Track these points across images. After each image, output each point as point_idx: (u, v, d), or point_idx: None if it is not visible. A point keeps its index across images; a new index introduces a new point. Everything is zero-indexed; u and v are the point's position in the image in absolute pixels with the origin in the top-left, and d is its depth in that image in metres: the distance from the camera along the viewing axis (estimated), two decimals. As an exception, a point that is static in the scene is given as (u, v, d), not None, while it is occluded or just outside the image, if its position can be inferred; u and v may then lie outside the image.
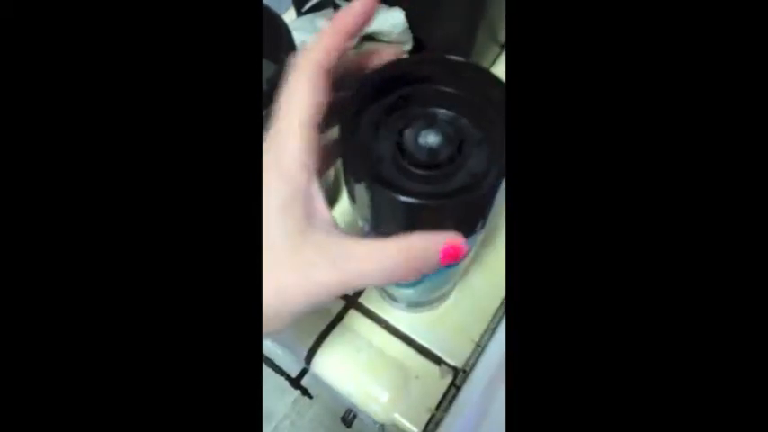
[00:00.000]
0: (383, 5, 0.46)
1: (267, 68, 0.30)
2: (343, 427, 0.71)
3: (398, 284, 0.34)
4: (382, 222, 0.22)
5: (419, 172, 0.20)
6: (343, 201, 0.45)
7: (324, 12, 0.49)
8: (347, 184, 0.23)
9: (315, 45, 0.18)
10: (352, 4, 0.19)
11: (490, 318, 0.40)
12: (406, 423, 0.36)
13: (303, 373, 0.53)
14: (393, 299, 0.39)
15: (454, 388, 0.37)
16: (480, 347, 0.39)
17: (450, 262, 0.18)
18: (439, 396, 0.37)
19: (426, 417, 0.36)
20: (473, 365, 0.38)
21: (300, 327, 0.40)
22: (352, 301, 0.41)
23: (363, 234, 0.24)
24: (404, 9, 0.45)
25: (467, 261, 0.31)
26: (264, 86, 0.26)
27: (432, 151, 0.20)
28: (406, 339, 0.39)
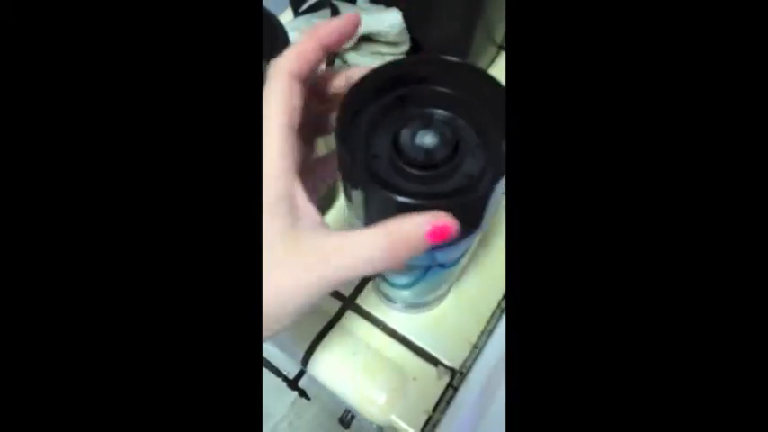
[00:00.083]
0: (381, 6, 0.46)
1: (263, 68, 0.30)
2: (341, 428, 0.71)
3: (395, 285, 0.34)
4: (378, 222, 0.22)
5: (415, 172, 0.20)
6: (341, 201, 0.45)
7: (321, 12, 0.49)
8: (344, 183, 0.23)
9: (287, 52, 0.19)
10: (332, 19, 0.20)
11: (487, 319, 0.40)
12: (403, 425, 0.36)
13: (300, 374, 0.52)
14: (390, 300, 0.39)
15: (451, 389, 0.37)
16: (477, 349, 0.38)
17: (439, 241, 0.18)
18: (436, 397, 0.37)
19: (423, 418, 0.36)
20: (470, 367, 0.38)
21: (297, 328, 0.40)
22: (348, 302, 0.41)
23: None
24: (401, 9, 0.45)
25: (463, 262, 0.31)
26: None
27: (428, 152, 0.20)
28: (403, 341, 0.39)
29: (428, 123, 0.21)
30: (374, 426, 0.38)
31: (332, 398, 0.40)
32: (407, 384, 0.37)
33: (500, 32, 0.53)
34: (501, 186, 0.20)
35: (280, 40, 0.31)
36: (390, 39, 0.45)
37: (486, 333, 0.39)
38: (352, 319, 0.40)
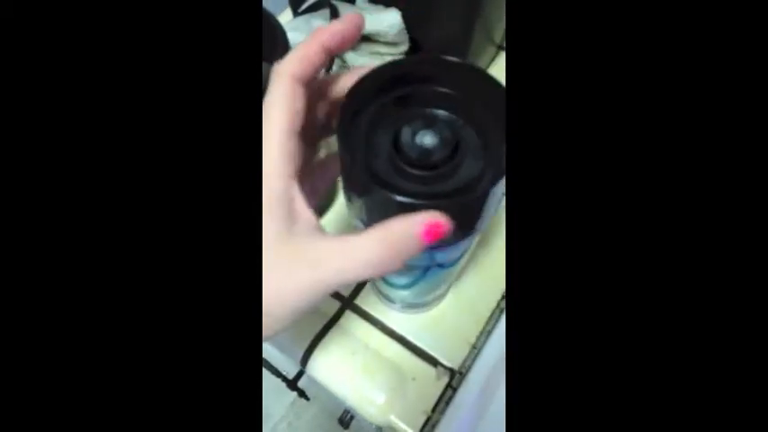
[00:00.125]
0: (379, 6, 0.46)
1: (263, 69, 0.30)
2: (340, 428, 0.71)
3: (394, 285, 0.34)
4: (378, 222, 0.22)
5: (415, 172, 0.20)
6: (341, 200, 0.45)
7: (320, 12, 0.49)
8: (344, 183, 0.23)
9: (290, 55, 0.19)
10: (334, 22, 0.20)
11: (486, 319, 0.40)
12: (402, 425, 0.36)
13: (300, 374, 0.52)
14: (389, 300, 0.39)
15: (450, 390, 0.37)
16: (476, 349, 0.38)
17: (434, 240, 0.18)
18: (435, 398, 0.37)
19: (422, 419, 0.36)
20: (469, 367, 0.38)
21: (296, 329, 0.40)
22: (347, 302, 0.41)
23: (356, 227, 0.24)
24: (400, 10, 0.45)
25: (462, 263, 0.31)
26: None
27: (428, 152, 0.20)
28: (402, 341, 0.39)
29: (428, 123, 0.21)
30: (373, 426, 0.38)
31: (331, 398, 0.40)
32: (406, 385, 0.37)
33: (499, 32, 0.53)
34: (500, 187, 0.20)
35: (279, 41, 0.31)
36: (389, 39, 0.45)
37: (485, 333, 0.39)
38: (351, 320, 0.40)
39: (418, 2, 0.44)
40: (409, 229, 0.18)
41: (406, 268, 0.28)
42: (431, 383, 0.37)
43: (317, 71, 0.20)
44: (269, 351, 0.53)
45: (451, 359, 0.38)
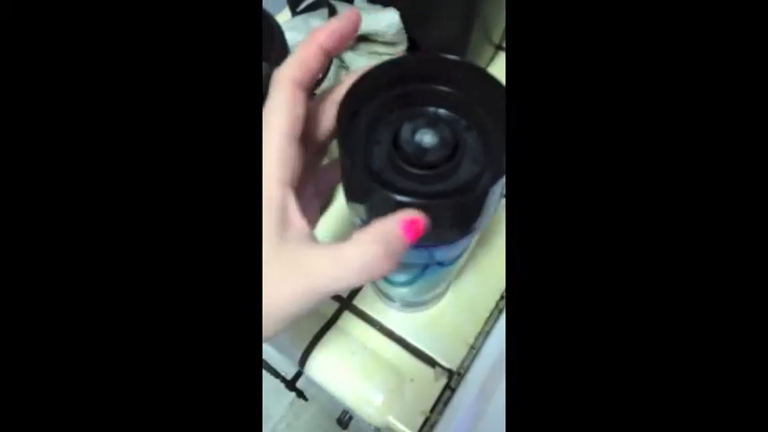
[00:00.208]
0: (378, 5, 0.46)
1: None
2: (339, 428, 0.71)
3: (393, 283, 0.34)
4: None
5: (415, 171, 0.20)
6: (339, 199, 0.45)
7: (318, 12, 0.49)
8: (343, 182, 0.22)
9: (289, 60, 0.19)
10: (330, 21, 0.20)
11: (485, 320, 0.39)
12: (400, 426, 0.36)
13: (298, 375, 0.52)
14: (389, 298, 0.39)
15: (449, 390, 0.37)
16: (475, 350, 0.38)
17: (415, 237, 0.18)
18: (433, 399, 0.37)
19: (421, 420, 0.36)
20: (468, 368, 0.38)
21: (294, 329, 0.40)
22: (345, 303, 0.41)
23: (356, 227, 0.24)
24: (398, 9, 0.45)
25: (462, 261, 0.31)
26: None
27: (428, 151, 0.20)
28: (400, 342, 0.39)
29: (428, 122, 0.21)
30: (372, 427, 0.38)
31: (330, 399, 0.40)
32: (405, 385, 0.37)
33: (498, 32, 0.53)
34: (500, 186, 0.20)
35: (277, 41, 0.31)
36: (388, 39, 0.45)
37: (484, 334, 0.39)
38: (349, 320, 0.40)
39: (417, 1, 0.44)
40: (390, 231, 0.18)
41: (405, 266, 0.28)
42: (429, 384, 0.37)
43: (317, 74, 0.20)
44: (267, 351, 0.53)
45: (450, 360, 0.38)
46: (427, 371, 0.38)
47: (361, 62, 0.46)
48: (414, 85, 0.22)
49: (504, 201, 0.38)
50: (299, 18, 0.48)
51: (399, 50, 0.47)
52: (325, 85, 0.43)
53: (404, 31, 0.46)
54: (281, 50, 0.31)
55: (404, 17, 0.45)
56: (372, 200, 0.20)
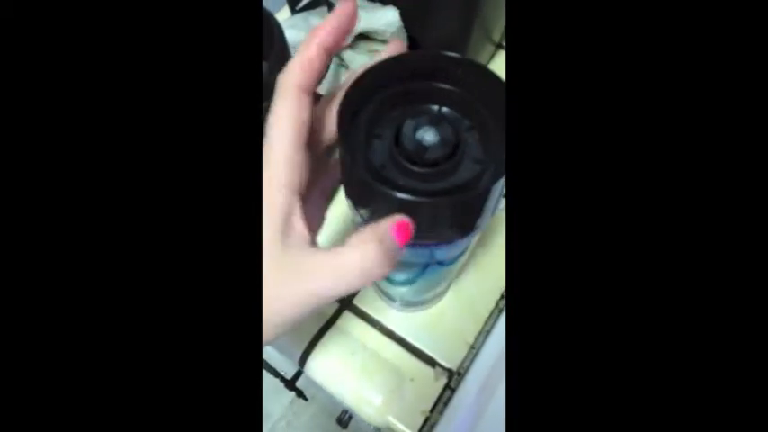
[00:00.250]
0: (377, 3, 0.46)
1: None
2: (339, 428, 0.71)
3: (393, 282, 0.34)
4: (379, 219, 0.21)
5: (415, 169, 0.20)
6: (339, 198, 0.45)
7: (318, 10, 0.48)
8: (343, 179, 0.22)
9: (292, 65, 0.19)
10: (328, 18, 0.20)
11: (485, 320, 0.39)
12: (400, 426, 0.36)
13: (298, 374, 0.52)
14: (389, 298, 0.39)
15: (449, 390, 0.37)
16: (475, 349, 0.38)
17: (406, 240, 0.19)
18: (433, 398, 0.36)
19: (421, 419, 0.36)
20: (468, 368, 0.38)
21: (294, 329, 0.39)
22: (345, 302, 0.41)
23: (355, 225, 0.24)
24: (398, 8, 0.44)
25: (462, 261, 0.31)
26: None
27: (429, 149, 0.20)
28: (400, 341, 0.39)
29: (430, 120, 0.20)
30: (372, 427, 0.38)
31: (329, 398, 0.40)
32: (404, 385, 0.37)
33: (498, 31, 0.53)
34: (501, 185, 0.19)
35: (276, 40, 0.31)
36: (387, 37, 0.45)
37: (484, 333, 0.39)
38: (349, 320, 0.40)
39: (417, 0, 0.44)
40: (382, 236, 0.19)
41: (406, 265, 0.28)
42: (429, 384, 0.37)
43: (320, 75, 0.20)
44: (267, 351, 0.53)
45: (450, 359, 0.38)
46: (427, 371, 0.38)
47: (360, 60, 0.46)
48: (415, 82, 0.22)
49: (504, 200, 0.38)
50: (299, 16, 0.48)
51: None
52: (323, 83, 0.43)
53: (403, 30, 0.46)
54: (280, 50, 0.31)
55: (404, 15, 0.45)
56: (372, 197, 0.20)
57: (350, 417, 0.64)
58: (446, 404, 0.36)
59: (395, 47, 0.22)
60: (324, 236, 0.43)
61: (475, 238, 0.26)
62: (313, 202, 0.23)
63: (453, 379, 0.37)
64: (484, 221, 0.22)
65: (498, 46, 0.55)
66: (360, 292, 0.41)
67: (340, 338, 0.39)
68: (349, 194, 0.22)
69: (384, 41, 0.46)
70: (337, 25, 0.20)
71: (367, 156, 0.21)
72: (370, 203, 0.21)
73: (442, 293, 0.39)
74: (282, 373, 0.55)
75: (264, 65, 0.30)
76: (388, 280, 0.34)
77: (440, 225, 0.20)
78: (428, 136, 0.20)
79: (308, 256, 0.19)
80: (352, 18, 0.20)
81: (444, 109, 0.22)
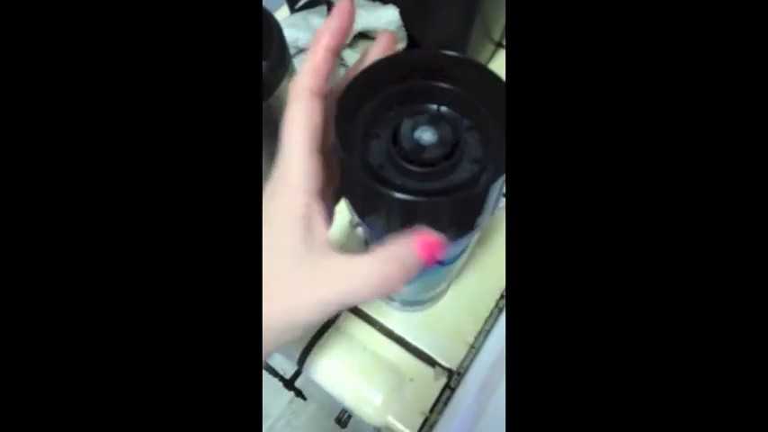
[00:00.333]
0: (377, 2, 0.46)
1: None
2: (338, 427, 0.70)
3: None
4: (377, 220, 0.21)
5: (414, 169, 0.20)
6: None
7: (317, 9, 0.48)
8: (341, 180, 0.22)
9: (302, 71, 0.20)
10: (328, 21, 0.20)
11: (484, 319, 0.39)
12: (400, 426, 0.36)
13: (297, 374, 0.52)
14: (388, 297, 0.39)
15: (448, 390, 0.37)
16: (475, 349, 0.38)
17: (432, 258, 0.19)
18: (433, 398, 0.36)
19: (420, 419, 0.36)
20: (467, 367, 0.38)
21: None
22: (345, 302, 0.41)
23: (353, 227, 0.24)
24: (398, 6, 0.44)
25: (461, 261, 0.31)
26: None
27: (426, 148, 0.20)
28: (399, 341, 0.39)
29: (428, 119, 0.20)
30: (371, 427, 0.38)
31: (329, 398, 0.40)
32: (404, 385, 0.37)
33: (498, 30, 0.53)
34: (500, 184, 0.19)
35: (275, 39, 0.31)
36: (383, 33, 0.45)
37: (484, 333, 0.39)
38: (348, 320, 0.40)
39: (416, -1, 0.44)
40: (407, 250, 0.19)
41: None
42: (429, 384, 0.37)
43: (329, 76, 0.20)
44: (266, 351, 0.53)
45: (450, 359, 0.38)
46: (427, 370, 0.38)
47: (360, 60, 0.46)
48: (414, 81, 0.21)
49: (504, 200, 0.38)
50: (298, 15, 0.48)
51: (398, 48, 0.47)
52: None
53: (403, 29, 0.46)
54: (279, 49, 0.31)
55: (403, 14, 0.45)
56: (370, 198, 0.20)
57: (349, 416, 0.64)
58: (446, 404, 0.36)
59: (384, 40, 0.22)
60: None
61: (474, 237, 0.26)
62: (325, 202, 0.23)
63: (453, 379, 0.37)
64: (483, 220, 0.22)
65: (498, 45, 0.55)
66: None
67: (339, 338, 0.39)
68: (347, 195, 0.22)
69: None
70: (338, 25, 0.20)
71: (365, 156, 0.21)
72: (367, 202, 0.21)
73: (442, 293, 0.39)
74: (281, 372, 0.55)
75: (264, 64, 0.29)
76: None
77: (439, 224, 0.20)
78: (426, 135, 0.20)
79: (327, 261, 0.19)
80: (351, 16, 0.20)
81: (443, 108, 0.22)
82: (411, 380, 0.37)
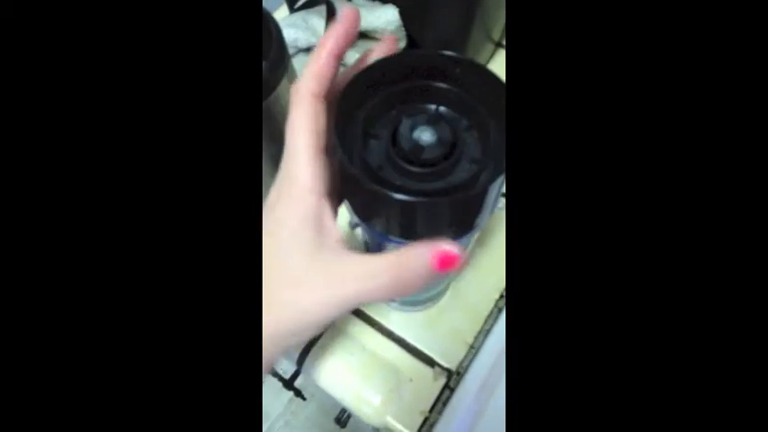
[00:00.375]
0: (377, 2, 0.46)
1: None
2: (337, 427, 0.71)
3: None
4: (376, 220, 0.21)
5: (413, 169, 0.20)
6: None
7: (316, 9, 0.48)
8: (340, 180, 0.22)
9: (305, 74, 0.20)
10: (333, 26, 0.20)
11: (484, 319, 0.39)
12: (399, 426, 0.36)
13: (296, 374, 0.52)
14: (388, 298, 0.39)
15: (448, 390, 0.37)
16: (474, 349, 0.38)
17: (447, 269, 0.19)
18: (432, 399, 0.36)
19: (420, 420, 0.36)
20: (467, 367, 0.38)
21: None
22: (344, 302, 0.41)
23: (351, 228, 0.24)
24: (397, 6, 0.44)
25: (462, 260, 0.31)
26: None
27: (425, 148, 0.20)
28: (399, 342, 0.39)
29: (427, 120, 0.20)
30: (370, 427, 0.38)
31: (328, 398, 0.40)
32: (403, 385, 0.37)
33: (497, 29, 0.53)
34: (499, 184, 0.19)
35: (274, 39, 0.31)
36: (387, 36, 0.45)
37: (483, 333, 0.39)
38: (348, 320, 0.40)
39: (416, -2, 0.44)
40: (423, 258, 0.19)
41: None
42: (428, 384, 0.37)
43: (333, 81, 0.21)
44: (265, 351, 0.53)
45: (449, 359, 0.38)
46: (426, 370, 0.37)
47: (359, 59, 0.46)
48: (413, 81, 0.21)
49: (503, 200, 0.38)
50: (298, 15, 0.48)
51: (398, 48, 0.46)
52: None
53: (403, 29, 0.45)
54: (278, 49, 0.31)
55: (403, 14, 0.44)
56: (369, 198, 0.20)
57: (348, 416, 0.64)
58: (445, 404, 0.36)
59: (387, 43, 0.22)
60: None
61: (474, 237, 0.26)
62: (332, 203, 0.24)
63: (452, 379, 0.37)
64: (483, 220, 0.22)
65: (498, 45, 0.55)
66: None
67: (338, 338, 0.39)
68: (346, 195, 0.22)
69: (383, 40, 0.46)
70: (343, 32, 0.20)
71: (363, 156, 0.21)
72: (367, 205, 0.20)
73: (441, 294, 0.39)
74: (281, 372, 0.55)
75: (263, 64, 0.29)
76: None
77: (438, 224, 0.20)
78: (425, 135, 0.20)
79: (340, 260, 0.19)
80: (356, 23, 0.20)
81: (442, 108, 0.22)
82: (410, 380, 0.37)
